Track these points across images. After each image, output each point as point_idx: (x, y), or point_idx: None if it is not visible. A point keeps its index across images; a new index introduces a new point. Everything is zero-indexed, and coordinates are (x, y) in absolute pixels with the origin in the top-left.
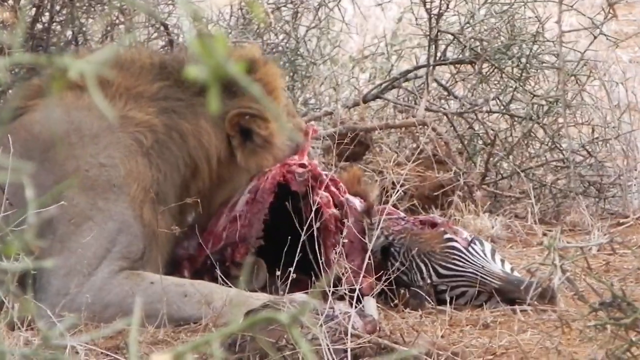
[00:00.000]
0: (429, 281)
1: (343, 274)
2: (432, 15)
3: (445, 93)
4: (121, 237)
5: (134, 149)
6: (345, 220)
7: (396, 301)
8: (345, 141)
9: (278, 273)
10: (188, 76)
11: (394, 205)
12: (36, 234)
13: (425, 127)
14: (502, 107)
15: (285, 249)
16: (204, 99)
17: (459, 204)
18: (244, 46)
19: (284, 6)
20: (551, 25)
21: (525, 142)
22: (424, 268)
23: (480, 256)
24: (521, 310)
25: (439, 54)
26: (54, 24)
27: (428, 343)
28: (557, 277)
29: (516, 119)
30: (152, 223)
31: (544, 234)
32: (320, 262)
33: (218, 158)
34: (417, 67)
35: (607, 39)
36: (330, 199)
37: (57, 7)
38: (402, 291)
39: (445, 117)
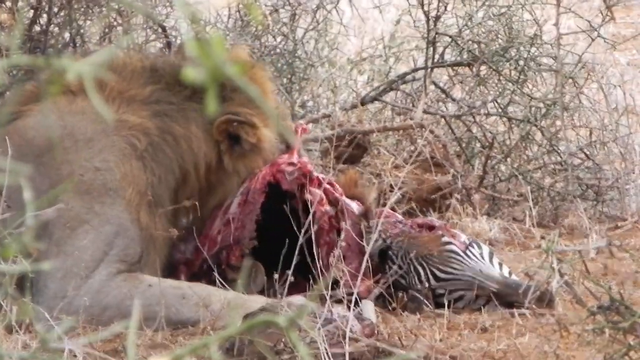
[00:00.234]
0: (427, 284)
1: (341, 277)
2: (430, 18)
3: (443, 95)
4: (118, 241)
5: (128, 152)
6: (341, 221)
7: (394, 304)
8: (343, 144)
9: (276, 276)
10: (186, 78)
11: (392, 208)
12: (33, 237)
13: (423, 129)
14: (500, 110)
15: (284, 252)
16: (196, 104)
17: (457, 207)
18: (232, 48)
19: (282, 8)
20: (549, 28)
21: (523, 144)
22: (421, 271)
23: (478, 259)
24: (519, 314)
25: (436, 57)
26: (52, 25)
27: (426, 347)
28: (555, 281)
29: (514, 121)
30: (149, 226)
31: (542, 237)
32: (317, 263)
33: (207, 165)
34: (415, 70)
35: (604, 41)
36: (324, 196)
37: (55, 9)
38: (400, 294)
39: (443, 119)
